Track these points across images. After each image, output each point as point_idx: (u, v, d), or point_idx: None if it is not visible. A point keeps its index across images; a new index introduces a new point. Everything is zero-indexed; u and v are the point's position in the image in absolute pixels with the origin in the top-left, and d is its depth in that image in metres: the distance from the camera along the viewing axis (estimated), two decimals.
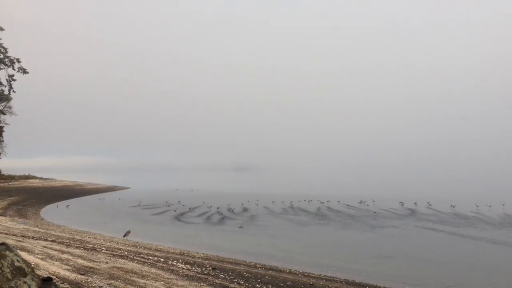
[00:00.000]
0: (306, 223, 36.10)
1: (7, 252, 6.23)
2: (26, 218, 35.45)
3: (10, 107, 60.02)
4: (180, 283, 12.31)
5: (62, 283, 9.96)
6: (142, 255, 18.06)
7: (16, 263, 6.14)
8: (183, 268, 15.25)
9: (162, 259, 17.04)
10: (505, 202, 53.52)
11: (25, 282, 5.92)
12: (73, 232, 27.31)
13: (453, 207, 50.42)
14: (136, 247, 21.88)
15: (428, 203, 53.62)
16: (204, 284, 12.56)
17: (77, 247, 18.40)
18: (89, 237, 24.90)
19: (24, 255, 12.58)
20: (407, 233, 30.66)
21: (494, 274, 19.24)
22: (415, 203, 53.66)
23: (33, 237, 21.04)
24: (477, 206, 49.12)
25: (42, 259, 13.79)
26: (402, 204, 52.67)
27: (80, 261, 14.15)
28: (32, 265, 8.66)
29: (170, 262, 16.59)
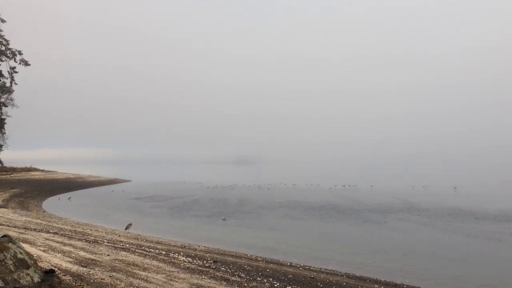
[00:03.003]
0: (305, 216, 36.15)
1: (10, 244, 6.26)
2: (28, 210, 35.59)
3: (12, 99, 59.89)
4: (182, 275, 12.37)
5: (64, 275, 10.00)
6: (143, 247, 18.13)
7: (19, 255, 6.17)
8: (185, 261, 15.31)
9: (163, 252, 17.11)
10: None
11: (27, 274, 5.95)
12: (75, 224, 27.43)
13: (371, 187, 69.75)
14: (138, 239, 21.97)
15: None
16: (206, 277, 12.62)
17: (79, 239, 18.48)
18: (90, 230, 25.00)
19: (26, 247, 12.64)
20: (407, 227, 30.69)
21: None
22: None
23: (35, 229, 21.12)
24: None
25: (44, 251, 13.84)
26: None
27: (82, 253, 14.21)
28: (35, 257, 8.70)
29: (172, 255, 16.66)
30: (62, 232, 20.98)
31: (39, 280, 6.01)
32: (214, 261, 15.87)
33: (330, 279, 14.85)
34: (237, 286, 11.94)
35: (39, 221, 27.14)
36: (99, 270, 11.35)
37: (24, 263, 6.18)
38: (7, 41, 49.14)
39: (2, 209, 33.08)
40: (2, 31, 48.71)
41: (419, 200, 49.74)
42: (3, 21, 48.24)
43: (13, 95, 59.40)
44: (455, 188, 67.26)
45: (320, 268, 17.74)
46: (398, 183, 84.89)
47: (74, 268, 11.33)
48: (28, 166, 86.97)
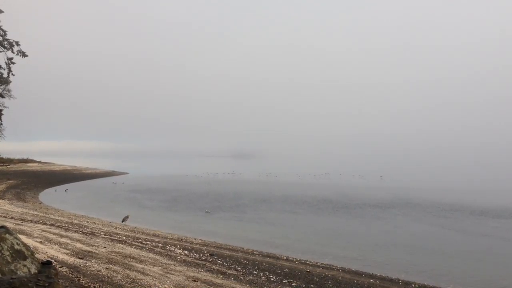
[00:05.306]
0: (301, 210, 36.25)
1: (7, 235, 6.24)
2: (25, 202, 35.55)
3: (9, 90, 59.53)
4: (178, 268, 12.41)
5: (61, 267, 10.02)
6: (140, 240, 18.17)
7: (16, 246, 6.15)
8: (181, 254, 15.36)
9: (160, 245, 17.15)
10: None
11: (25, 265, 5.94)
12: (71, 216, 27.42)
13: (326, 174, 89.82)
14: (134, 232, 22.01)
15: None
16: (202, 270, 12.67)
17: (76, 231, 18.50)
18: (87, 222, 25.02)
19: (23, 238, 12.64)
20: (401, 222, 30.84)
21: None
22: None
23: (31, 221, 21.12)
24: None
25: (40, 242, 13.87)
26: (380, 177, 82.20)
27: (78, 245, 14.23)
28: (31, 249, 8.70)
29: (168, 247, 16.71)
30: (58, 224, 20.99)
31: (36, 272, 6.00)
32: (210, 254, 15.93)
33: (326, 273, 14.94)
34: (233, 279, 12.00)
35: (35, 212, 27.12)
36: (95, 262, 11.37)
37: (21, 254, 6.16)
38: (4, 31, 48.68)
39: None
40: (0, 21, 48.25)
41: (411, 195, 50.02)
42: (0, 11, 47.79)
43: (11, 86, 59.02)
44: (381, 176, 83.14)
45: (316, 262, 17.84)
46: (346, 174, 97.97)
47: (71, 260, 11.36)
48: (25, 157, 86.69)
